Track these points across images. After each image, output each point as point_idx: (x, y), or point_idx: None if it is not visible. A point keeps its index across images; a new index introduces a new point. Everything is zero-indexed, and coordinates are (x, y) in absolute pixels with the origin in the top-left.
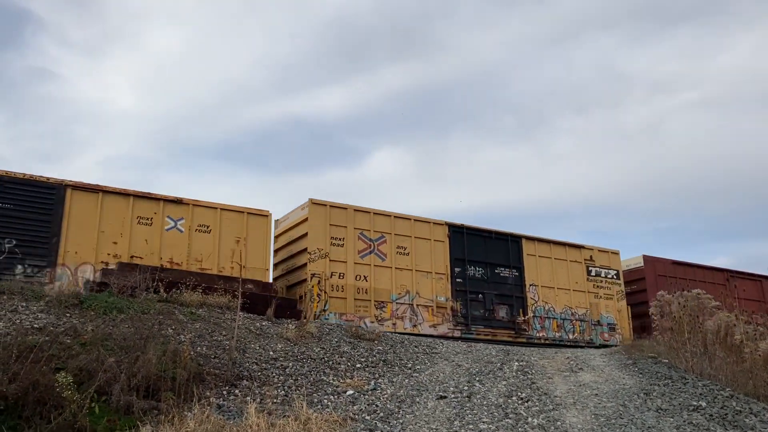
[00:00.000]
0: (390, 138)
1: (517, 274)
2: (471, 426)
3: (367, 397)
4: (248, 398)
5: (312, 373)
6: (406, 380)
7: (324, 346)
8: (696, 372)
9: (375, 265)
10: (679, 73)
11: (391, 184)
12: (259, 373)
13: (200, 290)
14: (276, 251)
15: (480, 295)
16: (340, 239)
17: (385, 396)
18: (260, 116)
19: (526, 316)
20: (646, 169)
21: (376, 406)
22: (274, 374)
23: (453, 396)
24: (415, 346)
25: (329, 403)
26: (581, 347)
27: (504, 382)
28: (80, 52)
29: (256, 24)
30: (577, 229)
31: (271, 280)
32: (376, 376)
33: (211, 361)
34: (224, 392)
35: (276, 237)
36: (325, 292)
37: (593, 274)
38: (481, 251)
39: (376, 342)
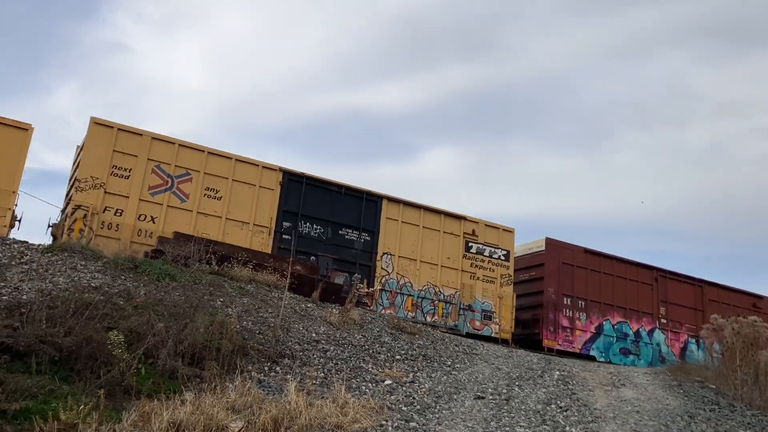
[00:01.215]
0: (446, 137)
1: (368, 238)
2: (507, 428)
3: (404, 388)
4: (288, 376)
5: (352, 359)
6: (445, 377)
7: (365, 335)
8: (745, 401)
9: (170, 206)
10: (750, 97)
11: (443, 183)
12: (301, 354)
13: (250, 266)
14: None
15: (312, 257)
16: (125, 170)
17: (423, 390)
18: (319, 106)
19: (372, 289)
20: (709, 191)
21: (413, 398)
22: (315, 356)
23: (491, 397)
24: (456, 345)
25: (367, 390)
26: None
27: (544, 390)
28: (154, 29)
29: (323, 15)
30: (631, 247)
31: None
32: (415, 369)
33: (256, 336)
34: (266, 368)
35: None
36: (91, 229)
37: (473, 251)
38: (324, 207)
39: (417, 336)
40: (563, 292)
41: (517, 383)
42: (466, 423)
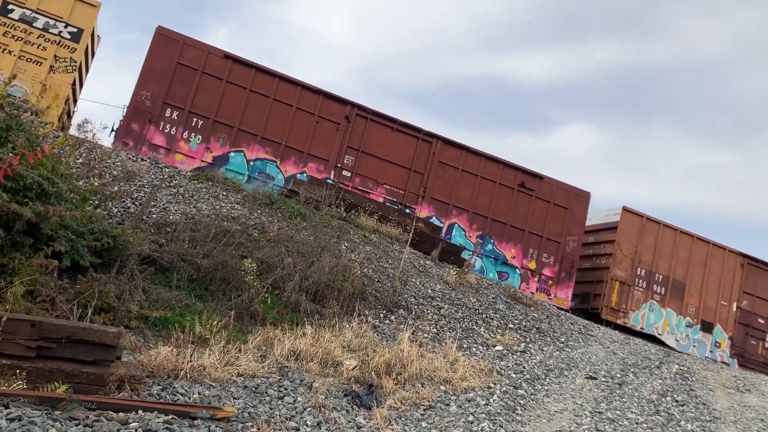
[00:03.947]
0: (586, 114)
1: None
2: (618, 412)
3: (515, 357)
4: (402, 326)
5: (465, 320)
6: (557, 353)
7: (480, 299)
8: None
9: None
10: None
11: (576, 160)
12: (416, 307)
13: (376, 217)
14: None
15: None
16: None
17: (534, 361)
18: (460, 70)
19: None
20: None
21: (523, 367)
22: (429, 311)
23: (603, 379)
24: (571, 324)
25: (477, 353)
26: None
27: (660, 381)
28: None
29: None
30: None
31: None
32: (528, 340)
33: (375, 284)
34: (381, 315)
35: None
36: None
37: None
38: None
39: (532, 308)
40: None
41: (632, 370)
42: (575, 400)
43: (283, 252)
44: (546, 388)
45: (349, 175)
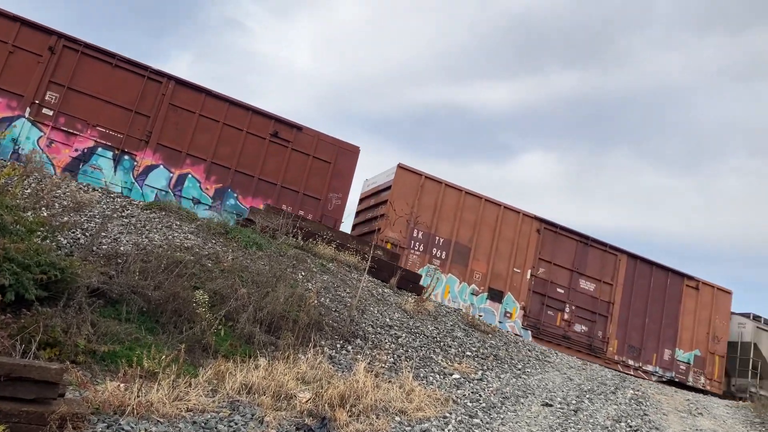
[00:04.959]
0: (545, 142)
1: None
2: None
3: (472, 385)
4: (359, 356)
5: (422, 348)
6: (514, 379)
7: (438, 327)
8: None
9: None
10: None
11: (535, 188)
12: (373, 336)
13: (334, 245)
14: None
15: None
16: None
17: (491, 389)
18: (422, 99)
19: None
20: None
21: (480, 395)
22: (387, 340)
23: (559, 406)
24: (529, 350)
25: (434, 381)
26: None
27: (615, 407)
28: (272, 10)
29: (437, 10)
30: (732, 276)
31: None
32: (485, 368)
33: (332, 313)
34: (338, 345)
35: None
36: None
37: None
38: None
39: (490, 335)
40: None
41: (587, 396)
42: (531, 428)
43: (237, 282)
44: (502, 416)
45: (51, 114)
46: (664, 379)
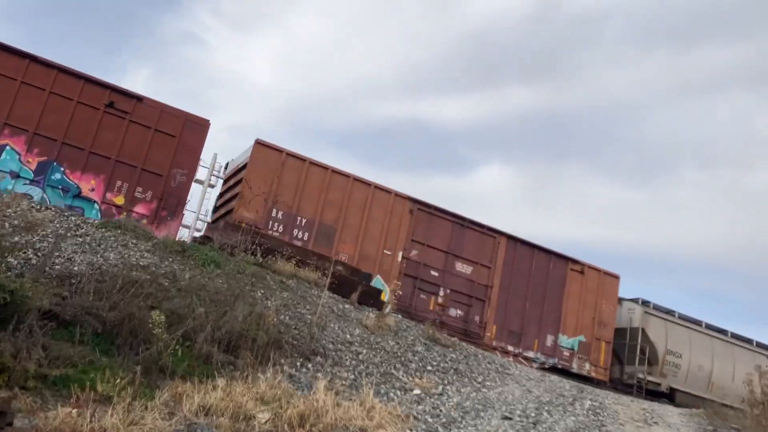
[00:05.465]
0: (502, 155)
1: None
2: None
3: (432, 400)
4: (319, 374)
5: (383, 364)
6: (474, 393)
7: (399, 342)
8: None
9: None
10: None
11: (493, 200)
12: (334, 353)
13: (294, 262)
14: None
15: None
16: None
17: (451, 403)
18: (383, 113)
19: None
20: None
21: (440, 410)
22: (347, 357)
23: (518, 419)
24: (489, 363)
25: (395, 397)
26: None
27: (573, 418)
28: (230, 25)
29: (396, 26)
30: (675, 284)
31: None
32: (446, 382)
33: (292, 331)
34: (298, 363)
35: None
36: None
37: None
38: None
39: (450, 349)
40: None
41: (546, 408)
42: None
43: (195, 301)
44: (462, 431)
45: None
46: (546, 366)
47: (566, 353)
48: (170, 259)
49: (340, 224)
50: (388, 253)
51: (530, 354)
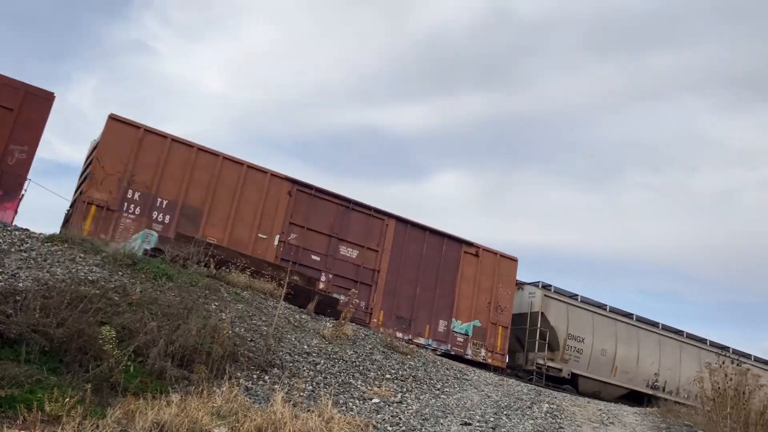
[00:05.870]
0: (458, 162)
1: None
2: None
3: (392, 408)
4: (276, 386)
5: (342, 374)
6: (433, 400)
7: (357, 351)
8: None
9: None
10: (763, 148)
11: (450, 206)
12: (291, 365)
13: (248, 273)
14: None
15: None
16: None
17: (410, 411)
18: (337, 120)
19: None
20: (715, 236)
21: (400, 419)
22: (304, 368)
23: (478, 424)
24: (447, 369)
25: (354, 407)
26: None
27: (531, 421)
28: (179, 33)
29: (349, 33)
30: (632, 286)
31: None
32: (404, 390)
33: (247, 343)
34: (254, 376)
35: None
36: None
37: None
38: None
39: (409, 356)
40: None
41: (505, 412)
42: None
43: (147, 315)
44: None
45: None
46: (438, 353)
47: (460, 339)
48: (120, 273)
49: (207, 206)
50: (264, 236)
51: (421, 340)
